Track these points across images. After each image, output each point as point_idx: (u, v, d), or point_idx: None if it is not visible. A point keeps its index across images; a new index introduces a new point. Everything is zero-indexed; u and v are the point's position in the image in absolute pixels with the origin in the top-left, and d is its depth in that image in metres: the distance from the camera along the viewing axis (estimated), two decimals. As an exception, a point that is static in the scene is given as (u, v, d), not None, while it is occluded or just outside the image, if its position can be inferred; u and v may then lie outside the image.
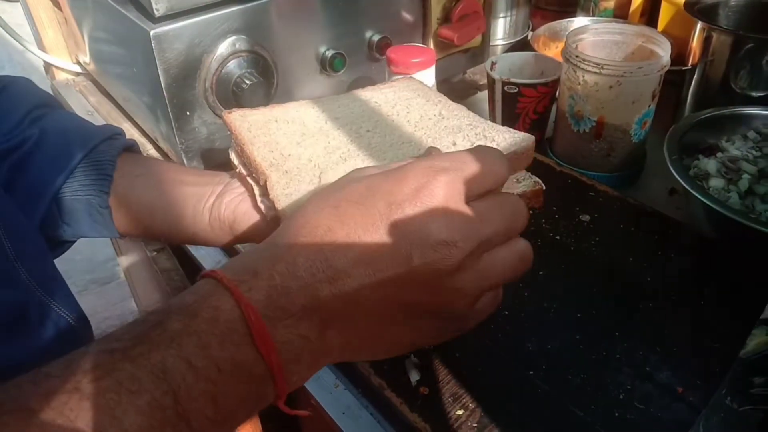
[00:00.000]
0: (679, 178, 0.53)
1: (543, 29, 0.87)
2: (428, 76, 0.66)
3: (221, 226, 0.45)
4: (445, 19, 0.81)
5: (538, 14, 0.99)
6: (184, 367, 0.26)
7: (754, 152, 0.59)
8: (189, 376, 0.26)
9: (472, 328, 0.35)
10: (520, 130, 0.42)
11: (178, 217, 0.46)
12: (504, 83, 0.69)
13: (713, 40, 0.66)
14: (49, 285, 0.41)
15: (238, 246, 0.59)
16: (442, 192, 0.30)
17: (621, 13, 0.87)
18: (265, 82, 0.66)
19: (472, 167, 0.32)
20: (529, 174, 0.42)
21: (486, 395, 0.42)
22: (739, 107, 0.62)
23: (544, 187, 0.41)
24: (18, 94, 0.49)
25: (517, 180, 0.41)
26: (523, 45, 0.96)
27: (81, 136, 0.48)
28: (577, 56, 0.62)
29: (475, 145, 0.40)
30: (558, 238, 0.56)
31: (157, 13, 0.59)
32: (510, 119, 0.72)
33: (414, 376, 0.44)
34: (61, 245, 0.50)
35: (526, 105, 0.70)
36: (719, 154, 0.60)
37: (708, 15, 0.69)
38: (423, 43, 0.80)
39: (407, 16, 0.77)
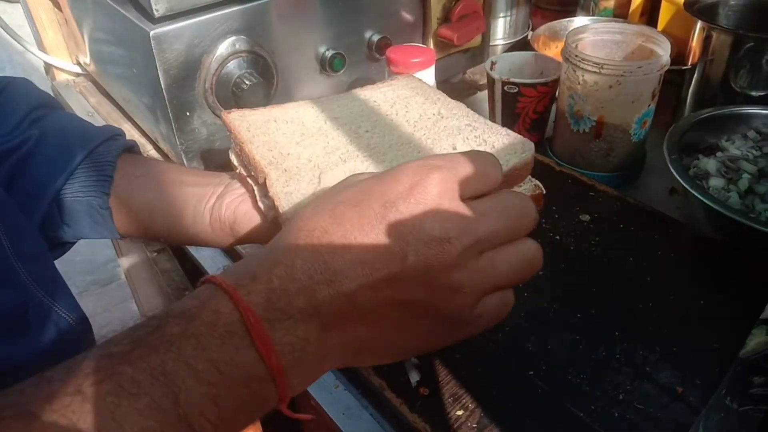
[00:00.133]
0: (678, 178, 0.53)
1: (543, 29, 0.87)
2: (428, 76, 0.67)
3: (222, 226, 0.45)
4: (445, 19, 0.81)
5: (538, 14, 0.99)
6: (183, 369, 0.26)
7: (754, 152, 0.59)
8: (189, 379, 0.26)
9: (479, 334, 0.34)
10: (520, 129, 0.42)
11: (179, 218, 0.46)
12: (504, 83, 0.69)
13: (713, 39, 0.66)
14: (50, 286, 0.41)
15: (239, 247, 0.59)
16: (436, 189, 0.30)
17: (621, 13, 0.87)
18: (265, 82, 0.66)
19: (465, 168, 0.31)
20: (530, 177, 0.42)
21: (486, 395, 0.42)
22: (739, 107, 0.62)
23: (544, 191, 0.41)
24: (18, 94, 0.49)
25: (518, 184, 0.41)
26: (523, 45, 0.96)
27: (81, 137, 0.48)
28: (576, 56, 0.62)
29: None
30: (558, 238, 0.56)
31: (156, 14, 0.59)
32: (510, 119, 0.72)
33: (414, 377, 0.44)
34: (62, 246, 0.50)
35: (526, 105, 0.70)
36: (719, 154, 0.60)
37: (708, 14, 0.69)
38: (423, 43, 0.80)
39: (407, 16, 0.77)
